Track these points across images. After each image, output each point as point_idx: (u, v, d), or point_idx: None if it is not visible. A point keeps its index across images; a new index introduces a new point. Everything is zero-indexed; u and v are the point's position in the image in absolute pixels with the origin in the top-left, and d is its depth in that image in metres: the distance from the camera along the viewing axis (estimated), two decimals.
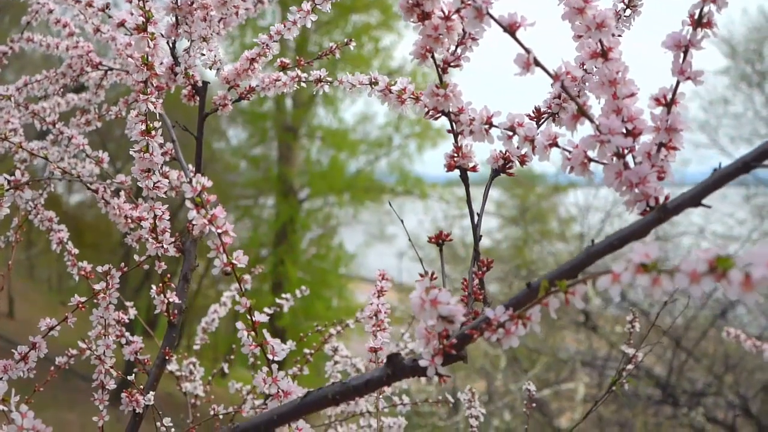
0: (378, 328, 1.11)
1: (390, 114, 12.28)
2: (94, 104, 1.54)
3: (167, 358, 1.23)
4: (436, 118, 0.83)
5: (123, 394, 1.19)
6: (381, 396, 1.31)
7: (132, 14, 1.25)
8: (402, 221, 1.15)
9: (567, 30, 0.80)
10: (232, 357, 1.80)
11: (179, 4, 1.16)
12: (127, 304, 1.38)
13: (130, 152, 1.02)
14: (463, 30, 0.80)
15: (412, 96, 0.96)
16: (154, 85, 0.97)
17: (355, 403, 1.49)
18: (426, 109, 0.84)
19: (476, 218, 0.85)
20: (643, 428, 6.80)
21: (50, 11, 1.48)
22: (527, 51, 0.69)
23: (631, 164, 0.71)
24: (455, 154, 0.85)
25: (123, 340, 1.22)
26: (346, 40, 1.24)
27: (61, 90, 1.52)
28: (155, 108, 0.95)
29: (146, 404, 1.15)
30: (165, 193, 1.07)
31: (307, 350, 1.63)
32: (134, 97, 1.47)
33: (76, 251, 1.35)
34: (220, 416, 1.39)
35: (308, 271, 11.58)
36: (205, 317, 1.79)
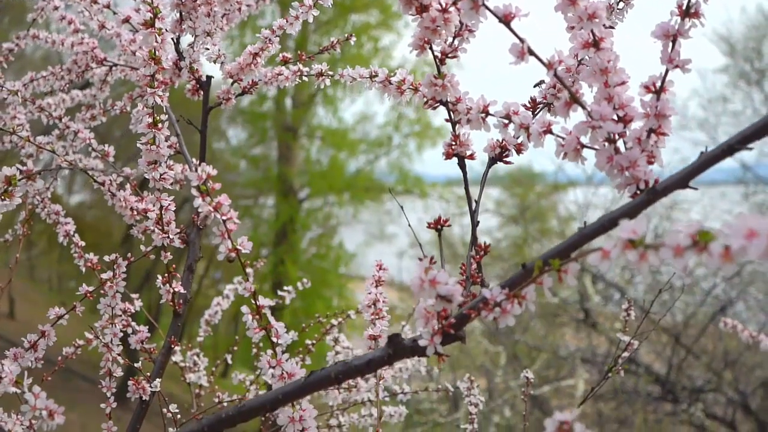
0: (377, 317, 1.14)
1: (389, 113, 12.31)
2: (99, 100, 1.57)
3: (173, 346, 1.26)
4: (435, 108, 0.86)
5: (130, 382, 1.22)
6: (381, 383, 1.34)
7: (137, 11, 1.28)
8: (406, 218, 1.18)
9: (561, 23, 0.82)
10: (235, 348, 1.83)
11: (183, 1, 1.19)
12: (133, 296, 1.41)
13: (138, 144, 1.04)
14: (460, 22, 0.82)
15: (411, 87, 0.98)
16: (161, 79, 0.99)
17: (357, 391, 1.52)
18: (425, 99, 0.87)
19: (474, 204, 0.88)
20: (643, 425, 6.83)
21: (56, 8, 1.50)
22: (521, 40, 0.71)
23: (622, 149, 0.73)
24: (453, 143, 0.88)
25: (129, 330, 1.25)
26: (346, 35, 1.27)
27: (67, 86, 1.55)
28: (162, 101, 0.97)
29: (153, 391, 1.18)
30: (171, 184, 1.10)
31: (308, 341, 1.66)
32: (139, 93, 1.51)
33: (82, 243, 1.38)
34: (225, 404, 1.41)
35: (308, 270, 11.60)
36: (208, 309, 1.82)
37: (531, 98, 0.89)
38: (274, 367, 0.86)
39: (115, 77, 1.55)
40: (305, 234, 12.52)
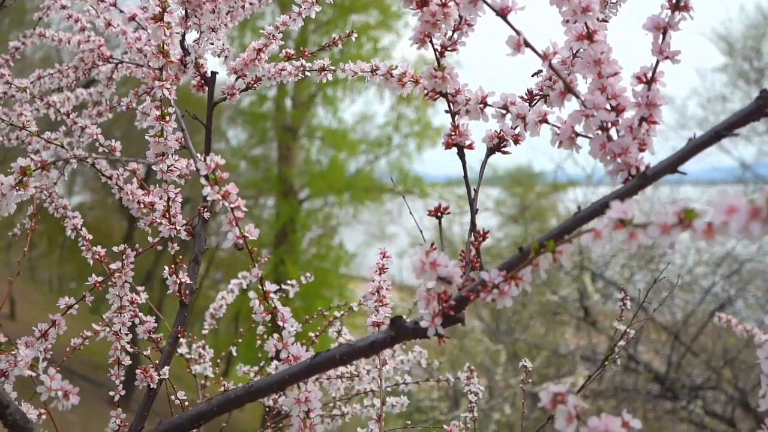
0: (380, 304, 1.17)
1: (389, 113, 12.35)
2: (106, 97, 1.60)
3: (179, 336, 1.29)
4: (435, 99, 0.89)
5: (138, 371, 1.25)
6: (384, 370, 1.37)
7: (143, 9, 1.32)
8: (412, 214, 1.20)
9: (558, 18, 0.85)
10: (240, 341, 1.86)
11: None
12: (139, 288, 1.44)
13: (146, 137, 1.07)
14: (459, 16, 0.85)
15: (411, 79, 1.02)
16: (169, 72, 1.02)
17: (359, 380, 1.55)
18: (425, 92, 0.90)
19: (473, 193, 0.91)
20: (643, 422, 6.85)
21: (63, 7, 1.53)
22: (518, 33, 0.75)
23: (615, 137, 0.76)
24: (452, 133, 0.91)
25: (136, 320, 1.28)
26: (348, 31, 1.30)
27: (74, 83, 1.58)
28: (170, 94, 1.00)
29: (161, 378, 1.21)
30: (178, 177, 1.13)
31: (312, 333, 1.69)
32: (145, 90, 1.54)
33: (90, 236, 1.41)
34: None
35: (309, 270, 11.60)
36: (213, 303, 1.86)
37: (528, 90, 0.92)
38: (280, 350, 0.89)
39: (120, 74, 1.58)
40: (305, 234, 12.55)
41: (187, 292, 1.29)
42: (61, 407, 0.81)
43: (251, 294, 0.90)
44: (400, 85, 1.02)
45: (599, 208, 0.70)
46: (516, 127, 0.89)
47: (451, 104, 0.90)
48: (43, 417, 1.28)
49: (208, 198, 0.86)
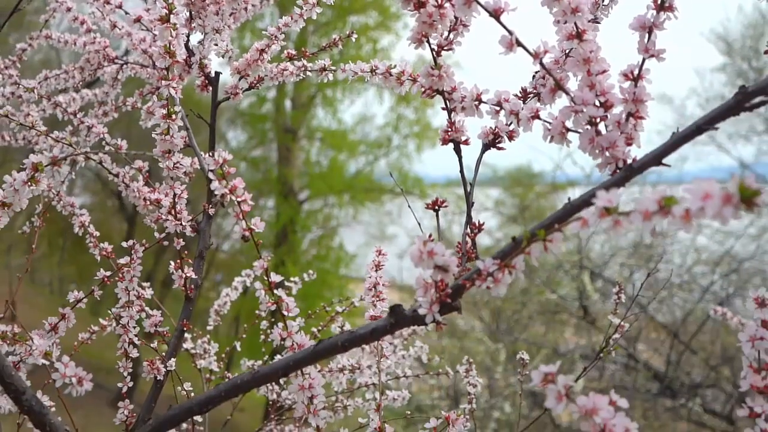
0: (377, 299, 1.21)
1: (389, 114, 12.40)
2: (111, 97, 1.64)
3: (185, 329, 1.33)
4: (432, 97, 0.93)
5: (145, 363, 1.29)
6: (383, 366, 1.40)
7: (148, 10, 1.35)
8: (414, 214, 1.24)
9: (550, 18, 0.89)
10: (244, 336, 1.90)
11: (193, 0, 1.26)
12: (144, 284, 1.48)
13: (153, 135, 1.11)
14: (455, 17, 0.89)
15: (410, 78, 1.05)
16: (175, 72, 1.06)
17: (360, 373, 1.58)
18: (423, 89, 0.93)
19: (469, 187, 0.94)
20: (642, 420, 6.89)
21: (68, 9, 1.57)
22: (510, 33, 0.78)
23: (603, 132, 0.80)
24: (449, 129, 0.94)
25: (143, 314, 1.31)
26: (348, 32, 1.33)
27: (79, 84, 1.62)
28: (176, 93, 1.04)
29: (168, 370, 1.25)
30: (183, 174, 1.16)
31: (314, 328, 1.73)
32: (150, 90, 1.57)
33: (97, 233, 1.45)
34: None
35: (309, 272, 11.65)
36: (217, 300, 1.89)
37: (522, 88, 0.96)
38: (284, 339, 0.92)
39: (125, 75, 1.62)
40: (306, 235, 12.59)
41: (192, 286, 1.33)
42: (75, 393, 0.85)
43: (257, 285, 0.93)
44: (399, 84, 1.06)
45: (587, 199, 0.74)
46: (510, 123, 0.93)
47: (447, 101, 0.93)
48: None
49: (216, 192, 0.90)
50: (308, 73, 1.33)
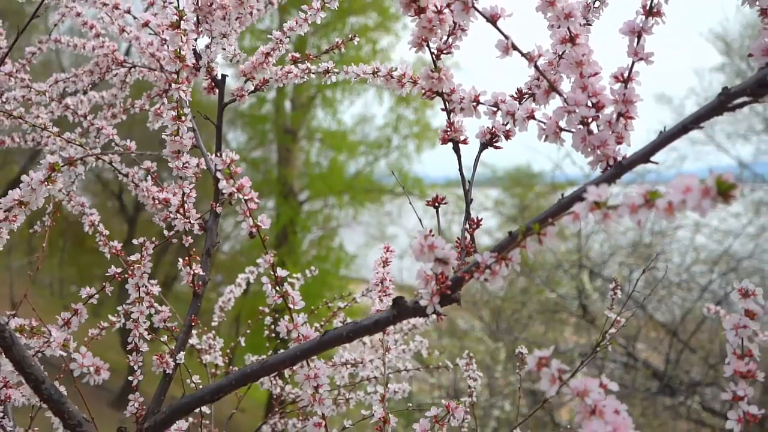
0: (383, 294, 1.25)
1: (388, 115, 12.43)
2: (120, 99, 1.68)
3: (193, 324, 1.37)
4: (432, 98, 0.97)
5: (154, 358, 1.33)
6: (387, 365, 1.44)
7: (155, 15, 1.39)
8: (417, 214, 1.28)
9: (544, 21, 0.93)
10: (248, 331, 1.95)
11: (200, 5, 1.30)
12: (151, 281, 1.52)
13: (163, 136, 1.15)
14: (454, 22, 0.93)
15: (410, 80, 1.10)
16: (185, 75, 1.10)
17: (363, 367, 1.62)
18: (423, 91, 0.98)
19: (468, 185, 0.99)
20: (641, 418, 6.93)
21: (78, 14, 1.61)
22: (506, 37, 0.82)
23: (595, 131, 0.84)
24: (448, 129, 0.99)
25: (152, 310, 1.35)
26: (350, 36, 1.38)
27: (89, 86, 1.66)
28: (186, 96, 1.08)
29: (177, 363, 1.29)
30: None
31: (317, 324, 1.77)
32: (157, 92, 1.61)
33: (106, 232, 1.49)
34: None
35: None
36: (222, 297, 1.94)
37: (517, 89, 1.00)
38: (291, 331, 0.97)
39: (133, 78, 1.66)
40: (306, 236, 12.61)
41: (200, 283, 1.37)
42: (92, 382, 0.89)
43: (264, 279, 0.97)
44: (400, 86, 1.11)
45: (579, 195, 0.78)
46: (507, 123, 0.97)
47: (446, 103, 0.97)
48: None
49: (224, 191, 0.94)
50: (312, 75, 1.37)
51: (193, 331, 1.75)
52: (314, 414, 0.96)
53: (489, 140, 1.00)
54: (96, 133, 1.53)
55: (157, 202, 1.39)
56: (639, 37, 0.83)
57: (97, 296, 1.30)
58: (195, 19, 1.33)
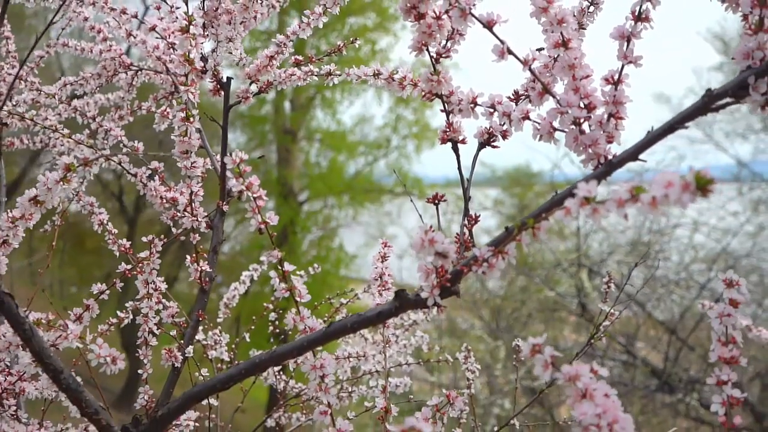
0: (383, 288, 1.30)
1: (388, 115, 12.47)
2: (127, 101, 1.72)
3: (200, 319, 1.41)
4: (431, 100, 1.01)
5: (163, 351, 1.37)
6: (388, 359, 1.49)
7: (161, 19, 1.44)
8: (419, 212, 1.32)
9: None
10: (253, 327, 1.99)
11: (207, 10, 1.35)
12: (159, 278, 1.56)
13: (172, 136, 1.19)
14: (452, 27, 0.98)
15: (411, 83, 1.14)
16: (193, 78, 1.15)
17: (365, 361, 1.66)
18: (423, 93, 1.02)
19: (466, 183, 1.03)
20: (641, 416, 6.98)
21: (86, 19, 1.65)
22: (502, 42, 0.87)
23: (587, 131, 0.89)
24: (447, 130, 1.03)
25: (161, 306, 1.40)
26: (351, 38, 1.42)
27: (97, 89, 1.70)
28: (194, 98, 1.12)
29: (185, 357, 1.33)
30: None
31: (319, 320, 1.81)
32: (163, 94, 1.66)
33: (115, 231, 1.53)
34: None
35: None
36: (226, 293, 1.98)
37: (514, 91, 1.05)
38: (297, 323, 1.01)
39: (140, 80, 1.71)
40: (305, 236, 12.65)
41: (207, 279, 1.41)
42: (109, 372, 0.93)
43: (272, 273, 1.02)
44: (401, 88, 1.15)
45: (570, 191, 0.82)
46: (503, 123, 1.01)
47: (445, 104, 1.02)
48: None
49: (234, 189, 0.99)
50: (314, 77, 1.41)
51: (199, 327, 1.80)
52: (320, 403, 1.01)
53: (487, 140, 1.04)
54: (104, 135, 1.57)
55: (164, 201, 1.43)
56: (628, 41, 0.88)
57: (108, 292, 1.34)
58: (201, 23, 1.37)
